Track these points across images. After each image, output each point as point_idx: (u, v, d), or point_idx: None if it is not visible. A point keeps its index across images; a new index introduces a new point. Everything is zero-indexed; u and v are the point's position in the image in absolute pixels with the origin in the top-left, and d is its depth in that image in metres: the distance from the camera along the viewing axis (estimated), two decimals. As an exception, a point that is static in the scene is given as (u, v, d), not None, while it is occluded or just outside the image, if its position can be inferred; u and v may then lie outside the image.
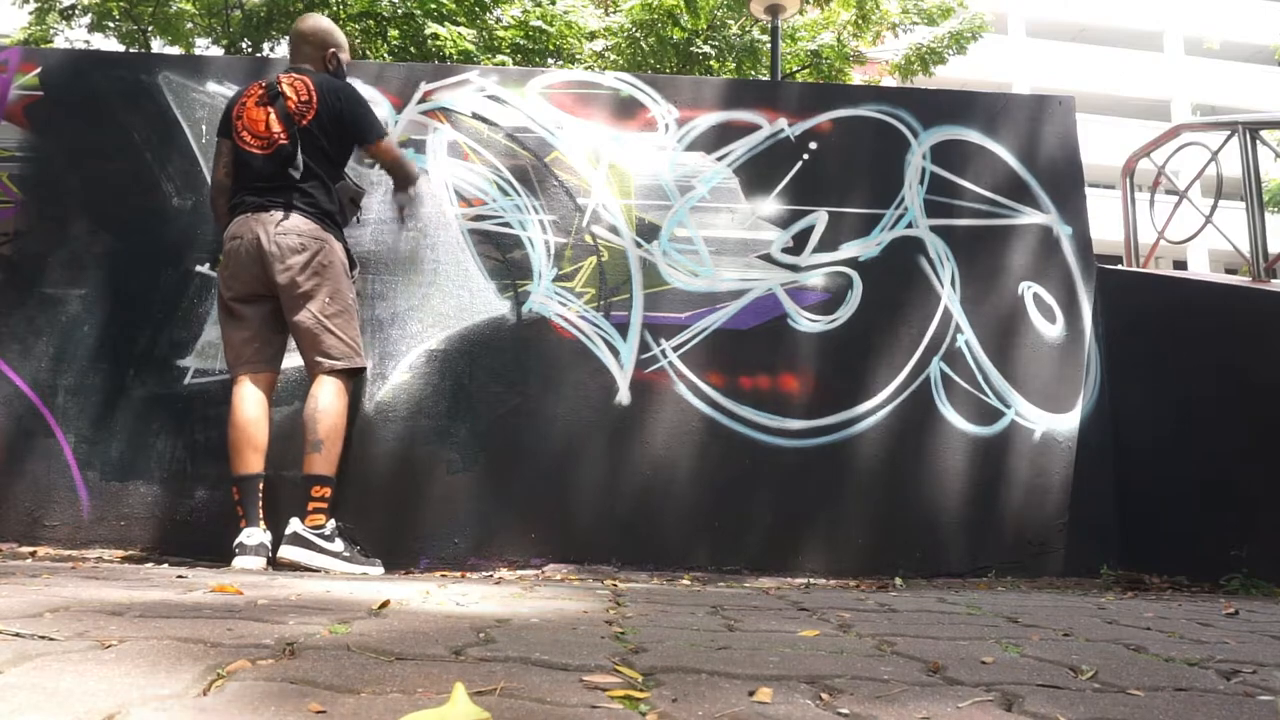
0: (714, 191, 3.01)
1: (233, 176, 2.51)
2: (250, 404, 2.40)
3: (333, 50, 2.64)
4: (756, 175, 3.03)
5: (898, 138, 3.10)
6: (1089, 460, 2.87)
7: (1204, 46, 20.29)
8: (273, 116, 2.46)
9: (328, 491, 2.34)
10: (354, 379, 2.52)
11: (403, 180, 2.74)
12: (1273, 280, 3.01)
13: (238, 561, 2.25)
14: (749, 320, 2.92)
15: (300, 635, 1.01)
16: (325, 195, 2.48)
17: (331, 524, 2.34)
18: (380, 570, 2.42)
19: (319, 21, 2.67)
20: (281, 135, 2.44)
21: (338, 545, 2.32)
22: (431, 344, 2.82)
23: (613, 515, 2.73)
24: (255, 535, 2.29)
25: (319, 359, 2.40)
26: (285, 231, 2.37)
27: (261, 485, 2.37)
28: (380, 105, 2.99)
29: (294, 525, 2.28)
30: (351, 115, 2.52)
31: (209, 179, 2.67)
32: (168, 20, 8.51)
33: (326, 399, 2.37)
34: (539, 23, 7.73)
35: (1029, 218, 3.07)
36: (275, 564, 2.26)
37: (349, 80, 2.69)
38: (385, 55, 7.99)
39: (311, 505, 2.31)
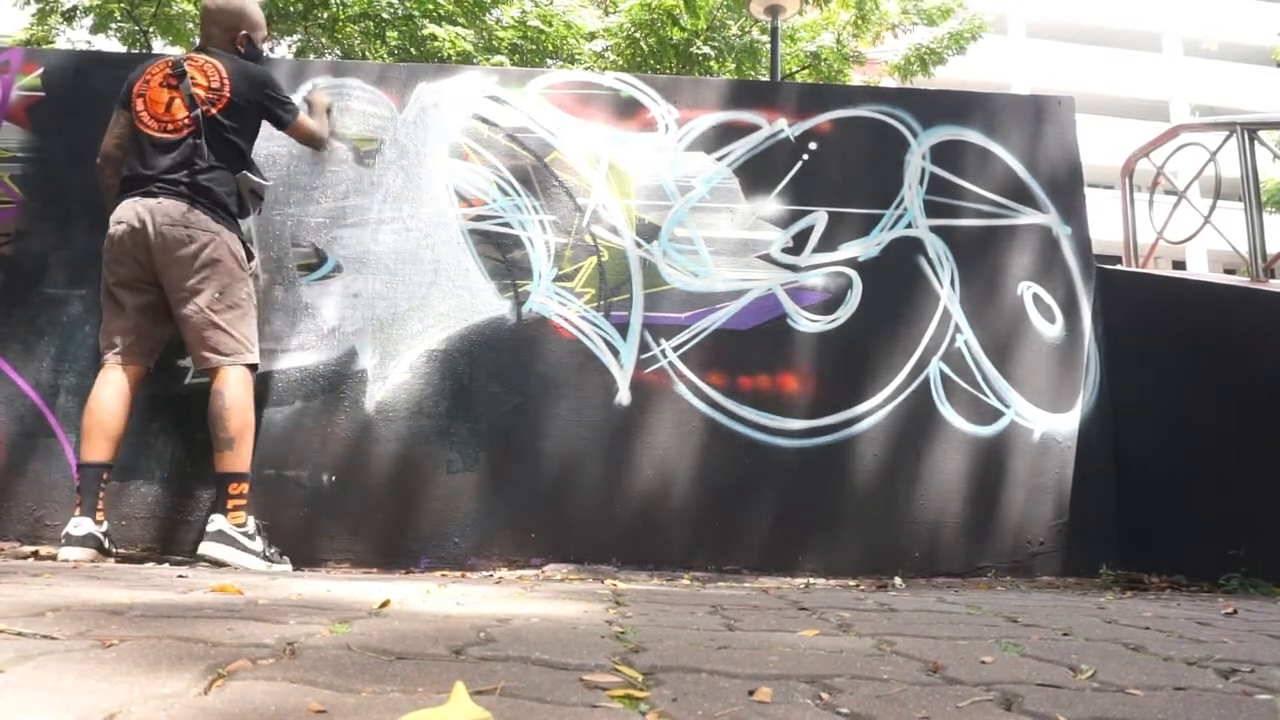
0: (714, 192, 3.01)
1: (124, 148, 2.42)
2: (110, 392, 2.31)
3: (244, 32, 2.54)
4: (756, 175, 3.03)
5: (897, 138, 3.10)
6: (1088, 460, 2.87)
7: (1202, 47, 20.29)
8: (177, 101, 2.36)
9: (245, 487, 2.31)
10: (251, 375, 2.43)
11: (319, 143, 2.71)
12: (1271, 280, 3.02)
13: (62, 552, 2.17)
14: (749, 320, 2.92)
15: (301, 635, 1.01)
16: (223, 186, 2.38)
17: (252, 521, 2.32)
18: (288, 567, 2.40)
19: (230, 2, 2.53)
20: (186, 122, 2.35)
21: (257, 544, 2.31)
22: (431, 344, 2.82)
23: (613, 515, 2.73)
24: (84, 526, 2.19)
25: (206, 354, 2.33)
26: (174, 223, 2.28)
27: (106, 476, 2.29)
28: (380, 105, 3.00)
29: (217, 522, 2.24)
30: (266, 103, 2.44)
31: (100, 148, 2.53)
32: (169, 21, 8.51)
33: (232, 394, 2.31)
34: (538, 23, 7.74)
35: (1028, 218, 3.08)
36: (197, 558, 2.25)
37: (261, 61, 2.60)
38: (384, 56, 8.00)
39: (231, 503, 2.27)
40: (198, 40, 2.62)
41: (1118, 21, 21.87)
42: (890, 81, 9.31)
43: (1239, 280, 3.04)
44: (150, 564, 2.43)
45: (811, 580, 2.62)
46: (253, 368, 2.43)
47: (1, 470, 2.66)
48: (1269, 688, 0.92)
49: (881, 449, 2.84)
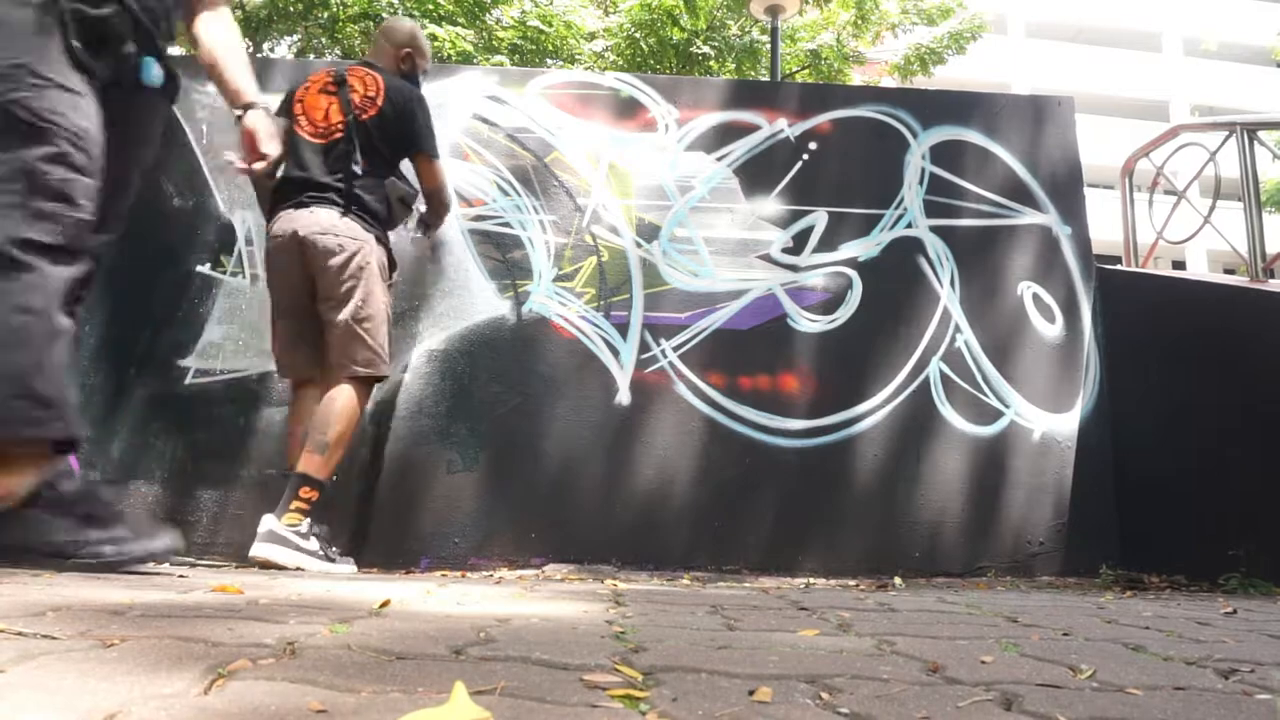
0: (714, 192, 3.02)
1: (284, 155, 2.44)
2: (304, 411, 2.38)
3: (407, 50, 2.59)
4: (756, 175, 3.03)
5: (897, 138, 3.10)
6: (1088, 460, 2.87)
7: (1202, 47, 20.30)
8: (334, 106, 2.41)
9: (315, 495, 2.26)
10: (373, 385, 2.45)
11: (437, 210, 2.63)
12: (1271, 280, 3.02)
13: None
14: (749, 320, 2.92)
15: (301, 635, 1.01)
16: (373, 194, 2.40)
17: (307, 523, 2.26)
18: (353, 568, 2.37)
19: (403, 22, 2.65)
20: (339, 128, 2.39)
21: (312, 544, 2.25)
22: (432, 344, 2.82)
23: (613, 515, 2.73)
24: (266, 522, 2.22)
25: (343, 362, 2.33)
26: (324, 230, 2.31)
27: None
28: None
29: (269, 522, 2.19)
30: (413, 120, 2.45)
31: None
32: (168, 21, 8.50)
33: (345, 403, 2.30)
34: (538, 23, 7.74)
35: (1028, 218, 3.08)
36: (249, 560, 2.20)
37: (416, 85, 2.60)
38: (385, 56, 7.99)
39: (294, 504, 2.22)
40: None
41: (1118, 21, 21.88)
42: (890, 81, 9.32)
43: (1239, 280, 3.04)
44: (150, 564, 2.43)
45: (811, 580, 2.62)
46: (381, 379, 2.44)
47: (1, 470, 2.66)
48: (1269, 688, 0.92)
49: (881, 449, 2.84)
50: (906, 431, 2.85)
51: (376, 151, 2.42)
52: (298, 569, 2.16)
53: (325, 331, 2.37)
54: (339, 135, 2.38)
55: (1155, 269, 3.69)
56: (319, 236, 2.30)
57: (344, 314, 2.32)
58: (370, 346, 2.35)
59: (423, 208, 2.65)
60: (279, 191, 2.40)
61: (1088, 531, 2.82)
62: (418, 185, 2.57)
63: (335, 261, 2.30)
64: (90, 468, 2.68)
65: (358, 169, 2.37)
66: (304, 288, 2.36)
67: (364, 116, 2.40)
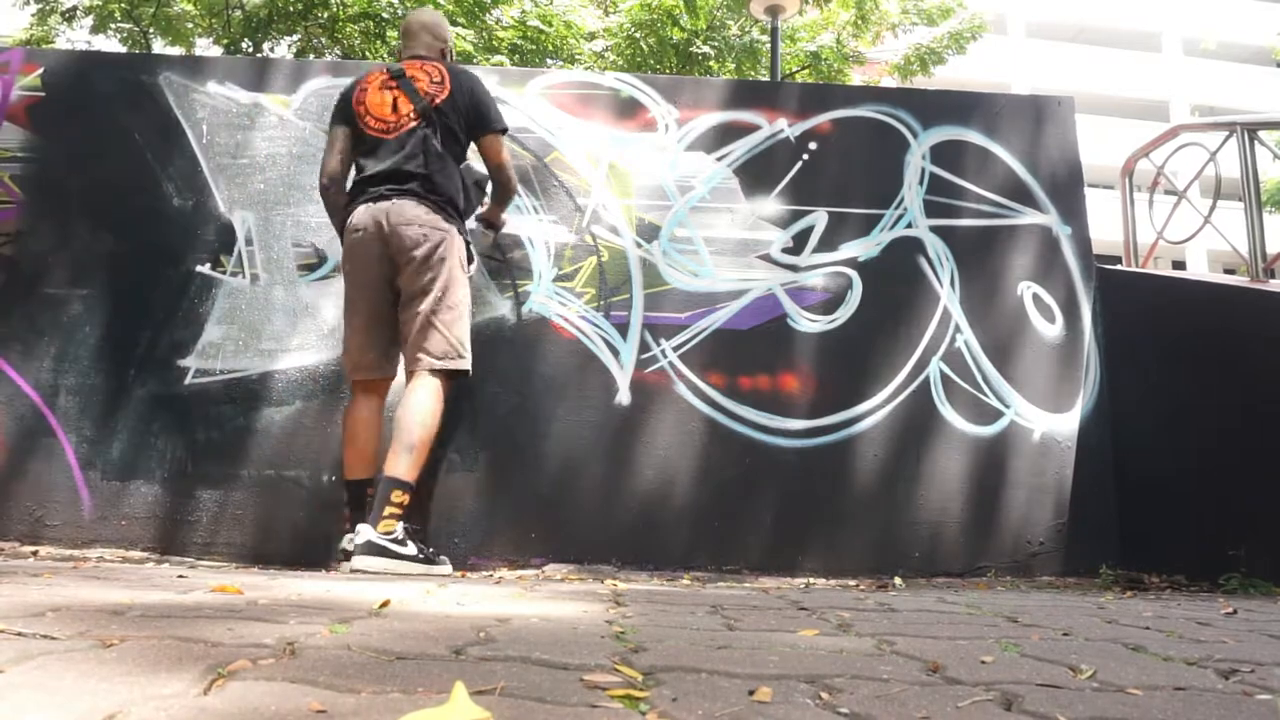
0: (714, 192, 3.02)
1: (349, 164, 2.43)
2: (365, 413, 2.35)
3: (450, 44, 2.62)
4: (756, 175, 3.03)
5: (897, 138, 3.10)
6: (1088, 460, 2.87)
7: (1202, 47, 20.30)
8: (400, 98, 2.38)
9: (407, 499, 2.20)
10: (454, 380, 2.40)
11: (503, 193, 2.56)
12: (1271, 280, 3.02)
13: (351, 564, 2.14)
14: (749, 320, 2.92)
15: (301, 635, 1.01)
16: (450, 181, 2.36)
17: (401, 527, 2.19)
18: (449, 568, 2.33)
19: (437, 15, 2.64)
20: (411, 117, 2.36)
21: (410, 548, 2.19)
22: (431, 344, 2.82)
23: (613, 515, 2.73)
24: (364, 533, 2.16)
25: (420, 356, 2.28)
26: (408, 222, 2.27)
27: (371, 491, 2.29)
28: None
29: (365, 533, 2.12)
30: (484, 98, 2.44)
31: (322, 170, 2.45)
32: (169, 21, 8.52)
33: (424, 401, 2.25)
34: (538, 23, 7.74)
35: (1028, 218, 3.08)
36: (351, 571, 2.13)
37: None
38: (384, 56, 8.00)
39: (387, 510, 2.15)
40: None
41: (1118, 21, 21.87)
42: (890, 81, 9.31)
43: (1239, 280, 3.04)
44: (151, 564, 2.43)
45: (811, 580, 2.62)
46: (464, 373, 2.40)
47: (1, 470, 2.66)
48: (1269, 688, 0.92)
49: (881, 449, 2.84)
50: (906, 431, 2.85)
51: (452, 135, 2.39)
52: (401, 575, 2.08)
53: (403, 326, 2.34)
54: (414, 123, 2.36)
55: (1155, 269, 3.69)
56: (404, 228, 2.27)
57: (424, 305, 2.28)
58: (448, 339, 2.31)
59: (485, 203, 2.65)
60: (355, 188, 2.38)
61: (1088, 531, 2.82)
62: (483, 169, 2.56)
63: (420, 253, 2.27)
64: (90, 468, 2.68)
65: (436, 156, 2.34)
66: (385, 282, 2.34)
67: (436, 101, 2.37)
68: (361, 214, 2.32)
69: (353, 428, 2.36)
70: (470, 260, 2.47)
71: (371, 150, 2.38)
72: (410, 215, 2.28)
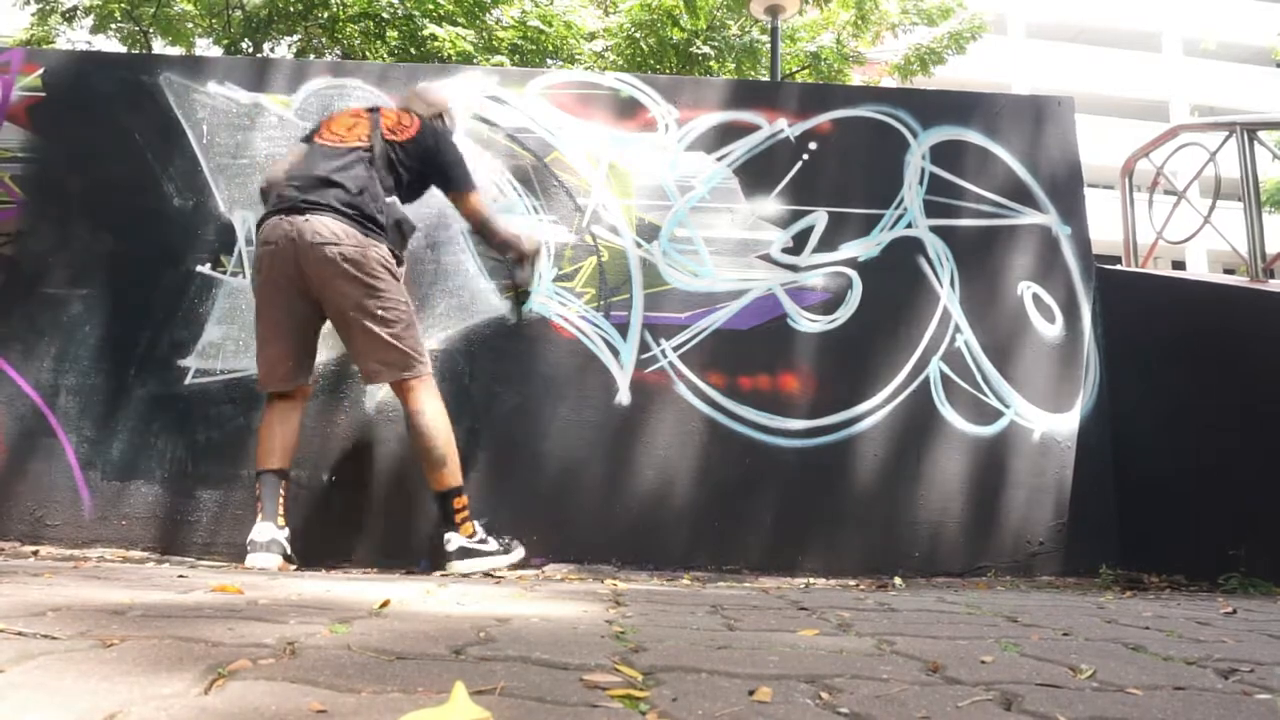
0: (714, 192, 3.02)
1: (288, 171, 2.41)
2: (279, 414, 2.35)
3: (449, 113, 2.68)
4: (756, 175, 3.03)
5: (897, 138, 3.10)
6: (1088, 460, 2.87)
7: (1202, 47, 20.29)
8: (361, 124, 2.43)
9: (465, 499, 2.35)
10: (431, 380, 2.41)
11: (501, 245, 2.65)
12: (1271, 280, 3.02)
13: (249, 559, 2.21)
14: (749, 320, 2.92)
15: (301, 635, 1.01)
16: (373, 201, 2.31)
17: (479, 527, 2.35)
18: (522, 552, 2.46)
19: (439, 88, 2.72)
20: (361, 139, 2.39)
21: (491, 544, 2.34)
22: (431, 344, 2.82)
23: (613, 515, 2.74)
24: (267, 531, 2.24)
25: (380, 369, 2.31)
26: (325, 240, 2.21)
27: (285, 483, 2.35)
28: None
29: (455, 540, 2.29)
30: (448, 155, 2.49)
31: (267, 173, 2.50)
32: (169, 21, 8.52)
33: (422, 413, 2.30)
34: (538, 23, 7.74)
35: (1028, 218, 3.08)
36: (446, 576, 2.24)
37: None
38: (384, 56, 8.00)
39: (458, 516, 2.31)
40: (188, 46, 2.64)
41: (1118, 21, 21.87)
42: (890, 81, 9.31)
43: (1239, 280, 3.04)
44: (151, 564, 2.43)
45: (811, 580, 2.62)
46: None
47: (1, 470, 2.66)
48: (1269, 688, 0.92)
49: (881, 449, 2.84)
50: (906, 431, 2.85)
51: (394, 170, 2.40)
52: (490, 570, 2.27)
53: (346, 342, 2.37)
54: (359, 144, 2.37)
55: (1155, 269, 3.69)
56: (319, 246, 2.20)
57: (364, 321, 2.25)
58: (402, 349, 2.29)
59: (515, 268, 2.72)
60: (275, 201, 2.32)
61: (1088, 531, 2.82)
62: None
63: (337, 270, 2.22)
64: (90, 467, 2.68)
65: (366, 176, 2.32)
66: (299, 295, 2.29)
67: (392, 136, 2.42)
68: (272, 227, 2.27)
69: (269, 428, 2.34)
70: (400, 264, 2.42)
71: (309, 156, 2.38)
72: (326, 233, 2.21)
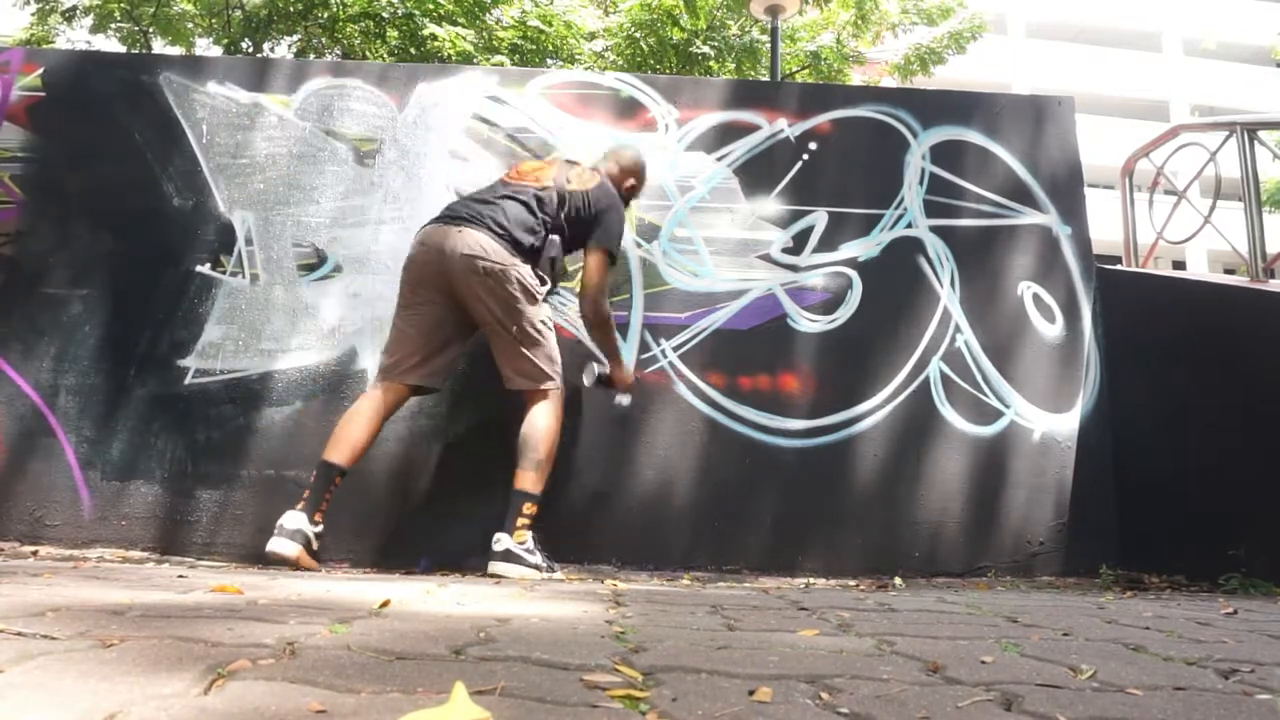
0: (714, 192, 3.02)
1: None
2: (365, 412, 2.37)
3: (632, 182, 2.72)
4: (756, 175, 3.03)
5: (897, 138, 3.10)
6: (1088, 460, 2.87)
7: (1202, 47, 20.29)
8: (548, 170, 2.54)
9: (536, 510, 2.36)
10: (563, 394, 2.50)
11: (604, 348, 2.65)
12: (1271, 280, 3.02)
13: (270, 544, 2.21)
14: (749, 320, 2.92)
15: (301, 635, 1.01)
16: (531, 235, 2.41)
17: (531, 536, 2.36)
18: (561, 577, 2.42)
19: (635, 157, 2.74)
20: (540, 181, 2.50)
21: (537, 558, 2.34)
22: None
23: (613, 515, 2.73)
24: (296, 520, 2.23)
25: (514, 377, 2.41)
26: (472, 252, 2.33)
27: (338, 480, 2.33)
28: (380, 106, 3.00)
29: (504, 542, 2.30)
30: (611, 217, 2.52)
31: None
32: (169, 21, 8.52)
33: (540, 420, 2.39)
34: (538, 23, 7.73)
35: (1028, 218, 3.08)
36: (486, 574, 2.29)
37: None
38: (384, 56, 8.00)
39: (520, 521, 2.33)
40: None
41: (1118, 21, 21.86)
42: (890, 81, 9.31)
43: (1239, 280, 3.04)
44: (151, 564, 2.43)
45: (811, 580, 2.62)
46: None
47: (1, 470, 2.66)
48: (1269, 688, 0.92)
49: (881, 449, 2.84)
50: (906, 431, 2.85)
51: (560, 212, 2.48)
52: (521, 578, 2.25)
53: (493, 350, 2.46)
54: (536, 186, 2.48)
55: (1155, 269, 3.69)
56: (466, 258, 2.32)
57: (507, 333, 2.38)
58: (535, 363, 2.41)
59: (602, 363, 2.70)
60: (445, 207, 2.48)
61: (1088, 531, 2.82)
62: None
63: (481, 283, 2.34)
64: (90, 467, 2.68)
65: (531, 209, 2.43)
66: (444, 299, 2.39)
67: (570, 186, 2.51)
68: (428, 234, 2.42)
69: (350, 421, 2.35)
70: (543, 284, 2.49)
71: (491, 186, 2.54)
72: (475, 245, 2.34)
